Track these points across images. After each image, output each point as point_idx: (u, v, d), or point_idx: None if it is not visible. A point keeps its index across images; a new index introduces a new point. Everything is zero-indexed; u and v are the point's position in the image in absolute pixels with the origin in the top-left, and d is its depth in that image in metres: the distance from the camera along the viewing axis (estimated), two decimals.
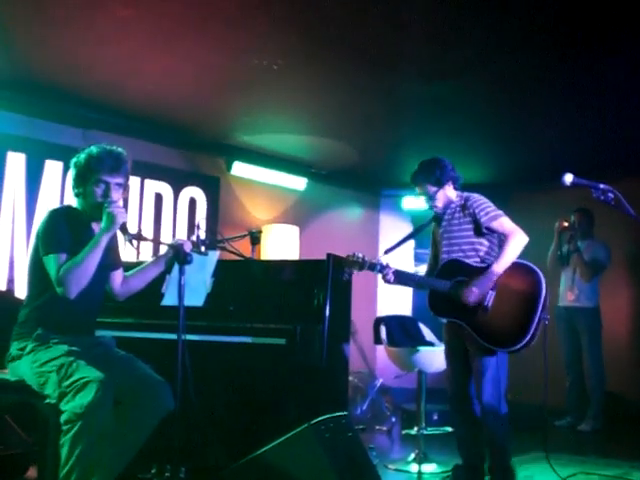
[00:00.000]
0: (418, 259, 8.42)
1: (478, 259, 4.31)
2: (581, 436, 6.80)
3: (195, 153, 7.42)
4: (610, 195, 3.22)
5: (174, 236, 6.93)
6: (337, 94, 5.94)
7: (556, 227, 7.08)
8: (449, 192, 4.48)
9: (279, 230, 7.51)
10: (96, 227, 3.57)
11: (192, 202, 7.29)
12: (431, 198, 4.48)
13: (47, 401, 3.35)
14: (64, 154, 6.04)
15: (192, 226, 7.10)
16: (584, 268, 6.99)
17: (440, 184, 4.45)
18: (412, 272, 4.62)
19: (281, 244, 7.37)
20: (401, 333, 5.85)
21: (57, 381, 3.28)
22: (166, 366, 3.52)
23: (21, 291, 5.73)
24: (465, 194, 4.49)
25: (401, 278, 4.39)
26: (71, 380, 3.24)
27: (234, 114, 6.61)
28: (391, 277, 4.34)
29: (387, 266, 4.35)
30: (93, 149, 3.60)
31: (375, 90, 5.81)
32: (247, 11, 4.47)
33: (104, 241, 3.42)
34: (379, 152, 7.82)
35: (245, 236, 5.41)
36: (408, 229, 8.73)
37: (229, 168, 7.63)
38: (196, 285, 4.17)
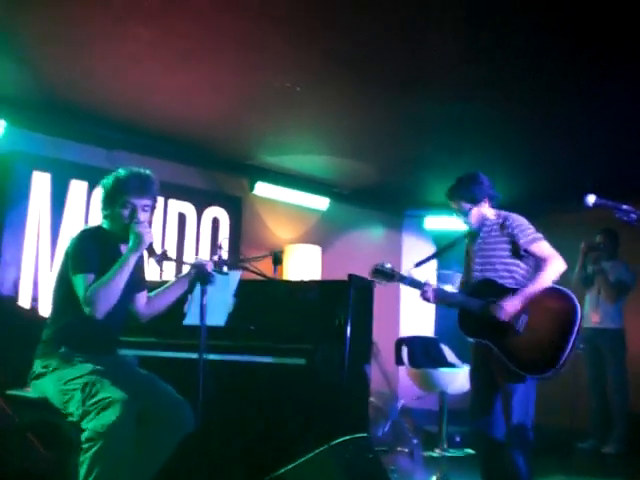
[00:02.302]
0: (441, 280, 8.38)
1: (512, 281, 4.19)
2: (605, 459, 6.71)
3: (218, 173, 7.46)
4: (633, 216, 3.19)
5: (197, 256, 6.96)
6: (359, 114, 5.95)
7: (581, 248, 7.02)
8: (484, 210, 4.36)
9: (301, 250, 7.52)
10: (124, 248, 3.59)
11: (215, 222, 7.32)
12: (465, 215, 4.37)
13: (69, 419, 3.36)
14: (89, 174, 6.13)
15: (215, 246, 7.12)
16: (609, 289, 6.92)
17: (475, 201, 4.33)
18: (451, 292, 4.44)
19: (303, 264, 7.38)
20: (423, 354, 5.83)
21: (81, 399, 3.29)
22: (187, 385, 3.53)
23: (45, 309, 5.77)
24: (504, 213, 4.37)
25: (440, 297, 4.27)
26: (95, 399, 3.26)
27: (257, 135, 6.65)
28: (430, 295, 4.23)
29: (427, 283, 4.25)
30: (121, 172, 3.64)
31: (397, 110, 5.82)
32: (268, 34, 4.52)
33: (132, 261, 3.44)
34: (401, 172, 7.81)
35: (267, 256, 5.43)
36: (430, 249, 8.69)
37: (252, 188, 7.66)
38: (218, 305, 4.17)
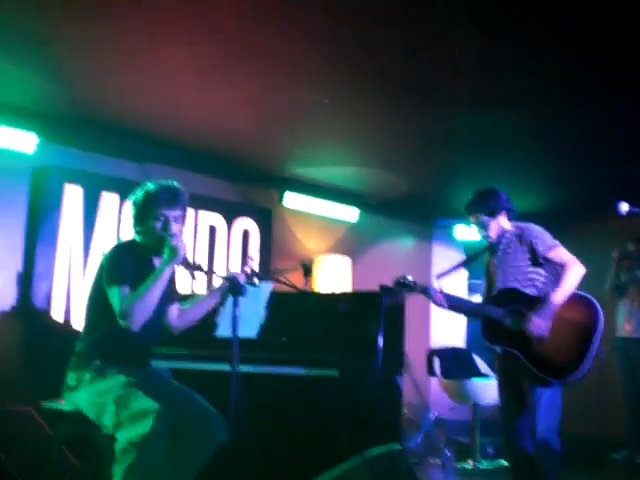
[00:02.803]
0: (472, 290, 8.35)
1: (534, 289, 4.27)
2: (639, 470, 6.62)
3: (248, 185, 7.48)
4: None
5: (227, 268, 6.98)
6: (388, 125, 5.95)
7: (614, 256, 6.95)
8: (503, 222, 4.48)
9: (331, 261, 7.51)
10: (157, 261, 3.61)
11: (245, 234, 7.34)
12: (484, 228, 4.49)
13: (104, 431, 3.38)
14: (121, 186, 6.18)
15: (245, 257, 7.15)
16: None
17: (493, 215, 4.45)
18: (463, 297, 4.62)
19: (333, 275, 7.37)
20: (455, 365, 5.81)
21: (115, 412, 3.31)
22: (219, 397, 3.54)
23: (77, 322, 5.82)
24: (521, 224, 4.48)
25: (451, 302, 4.40)
26: (129, 410, 3.28)
27: (286, 146, 6.67)
28: (440, 299, 4.36)
29: (437, 290, 4.38)
30: (150, 185, 3.68)
31: (426, 120, 5.80)
32: (298, 47, 4.53)
33: (167, 273, 3.46)
34: (430, 182, 7.80)
35: (297, 267, 5.43)
36: (461, 259, 8.66)
37: (281, 200, 7.68)
38: (250, 316, 4.19)
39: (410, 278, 4.40)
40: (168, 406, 3.32)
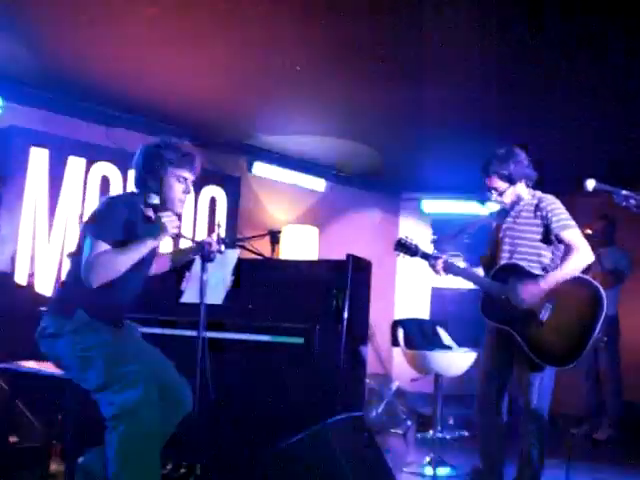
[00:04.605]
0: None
1: (539, 266, 4.08)
2: (597, 444, 6.76)
3: (216, 153, 7.43)
4: (632, 201, 3.20)
5: (194, 235, 6.96)
6: (359, 96, 5.94)
7: None
8: (520, 189, 4.19)
9: (298, 231, 7.52)
10: (151, 215, 3.57)
11: (212, 201, 7.31)
12: (500, 194, 4.19)
13: (84, 386, 3.35)
14: (87, 151, 6.12)
15: (212, 225, 7.13)
16: (605, 276, 6.92)
17: (512, 181, 4.14)
18: (463, 267, 4.29)
19: (300, 245, 7.38)
20: (419, 336, 5.84)
21: (104, 369, 3.27)
22: (184, 363, 3.54)
23: (41, 286, 5.78)
24: (539, 193, 4.21)
25: (451, 271, 4.17)
26: (119, 371, 3.25)
27: (256, 114, 6.64)
28: (440, 269, 4.14)
29: (438, 256, 4.15)
30: (172, 143, 3.67)
31: (397, 93, 5.80)
32: (270, 13, 4.49)
33: (148, 248, 3.42)
34: (400, 155, 7.80)
35: (265, 235, 5.43)
36: (428, 232, 8.72)
37: (250, 168, 7.66)
38: (216, 283, 4.19)
39: (411, 240, 4.23)
40: (152, 372, 3.32)
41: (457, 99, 5.83)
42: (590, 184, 3.21)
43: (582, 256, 4.03)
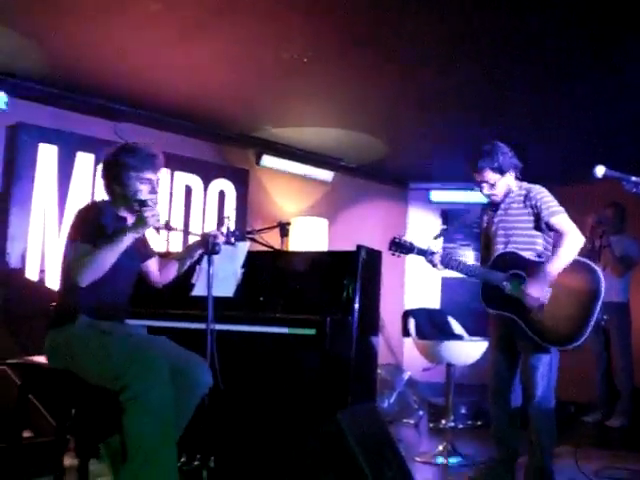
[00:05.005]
0: None
1: (533, 253, 4.16)
2: (609, 432, 6.75)
3: (225, 146, 7.46)
4: None
5: (203, 228, 6.98)
6: (366, 87, 5.93)
7: (589, 221, 6.99)
8: (509, 181, 4.29)
9: (307, 222, 7.52)
10: (130, 220, 3.59)
11: (221, 194, 7.32)
12: (492, 187, 4.27)
13: (107, 386, 3.31)
14: (96, 146, 6.13)
15: (221, 218, 7.14)
16: (615, 263, 6.91)
17: (503, 172, 4.24)
18: (460, 260, 4.37)
19: (309, 236, 7.38)
20: (430, 326, 5.84)
21: (114, 357, 3.28)
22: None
23: (52, 282, 5.80)
24: (526, 184, 4.31)
25: (448, 265, 4.26)
26: (132, 356, 3.26)
27: (264, 107, 6.64)
28: (438, 262, 4.25)
29: (434, 252, 4.26)
30: (130, 147, 3.65)
31: (404, 83, 5.80)
32: (277, 5, 4.48)
33: (127, 241, 3.40)
34: (408, 145, 7.79)
35: (275, 227, 5.42)
36: (436, 222, 8.72)
37: (258, 161, 7.66)
38: (226, 276, 4.19)
39: (405, 238, 4.32)
40: (164, 355, 3.33)
41: (464, 91, 5.82)
42: (600, 171, 3.18)
43: (574, 239, 4.11)
